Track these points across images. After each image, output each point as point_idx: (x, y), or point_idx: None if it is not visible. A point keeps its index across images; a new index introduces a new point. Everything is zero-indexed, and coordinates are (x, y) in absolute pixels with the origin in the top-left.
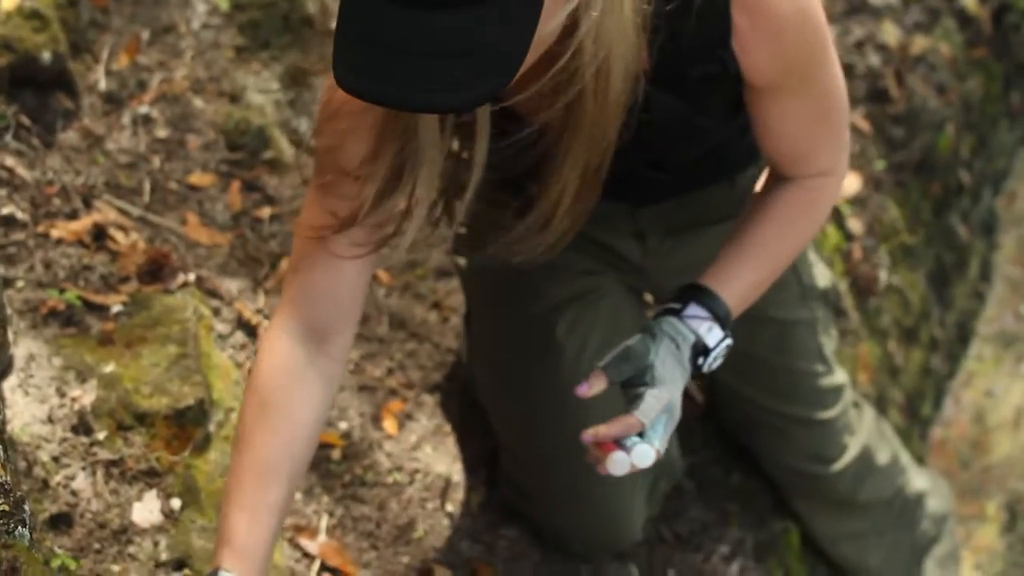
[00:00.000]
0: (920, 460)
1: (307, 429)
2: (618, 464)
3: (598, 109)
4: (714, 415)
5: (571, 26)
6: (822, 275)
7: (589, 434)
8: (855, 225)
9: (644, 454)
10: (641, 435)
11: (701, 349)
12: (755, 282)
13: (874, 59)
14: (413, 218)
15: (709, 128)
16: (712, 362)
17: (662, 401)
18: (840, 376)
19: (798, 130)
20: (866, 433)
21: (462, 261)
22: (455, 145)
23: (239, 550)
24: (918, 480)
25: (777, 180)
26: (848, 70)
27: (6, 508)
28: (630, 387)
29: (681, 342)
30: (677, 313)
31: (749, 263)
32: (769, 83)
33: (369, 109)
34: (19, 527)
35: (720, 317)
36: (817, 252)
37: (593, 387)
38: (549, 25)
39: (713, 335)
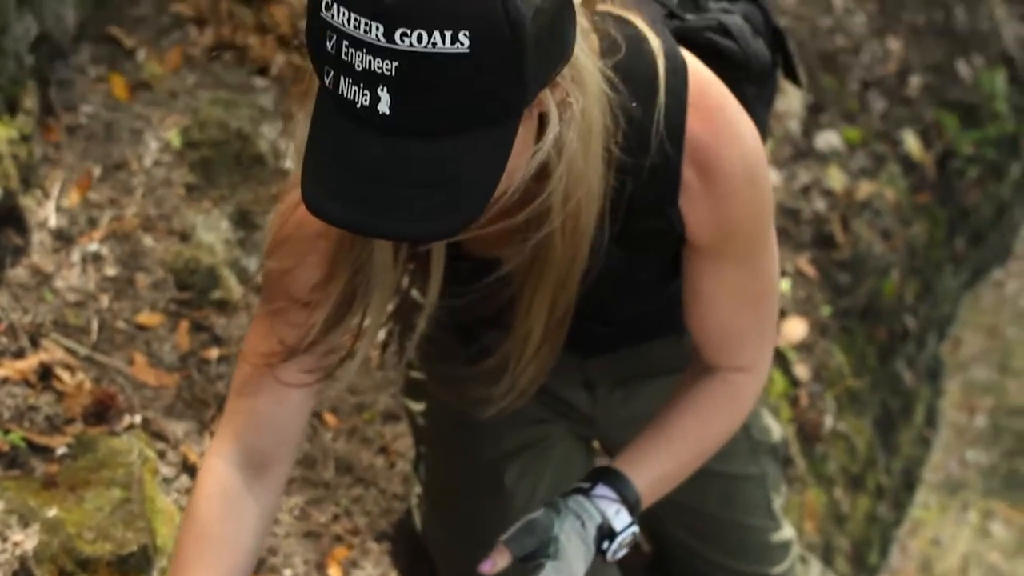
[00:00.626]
0: None
1: (244, 560)
2: None
3: (567, 248)
4: (660, 566)
5: (545, 164)
6: (772, 429)
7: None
8: (801, 371)
9: None
10: None
11: (607, 532)
12: (670, 472)
13: (820, 204)
14: (362, 344)
15: (648, 286)
16: (617, 549)
17: (566, 571)
18: (788, 531)
19: (729, 306)
20: None
21: (412, 405)
22: (406, 282)
23: None
24: None
25: (700, 371)
26: (794, 215)
27: None
28: (531, 560)
29: (587, 520)
30: (585, 492)
31: (665, 452)
32: (710, 245)
33: (324, 234)
34: None
35: (629, 502)
36: (765, 406)
37: (497, 563)
38: (522, 159)
39: (620, 519)
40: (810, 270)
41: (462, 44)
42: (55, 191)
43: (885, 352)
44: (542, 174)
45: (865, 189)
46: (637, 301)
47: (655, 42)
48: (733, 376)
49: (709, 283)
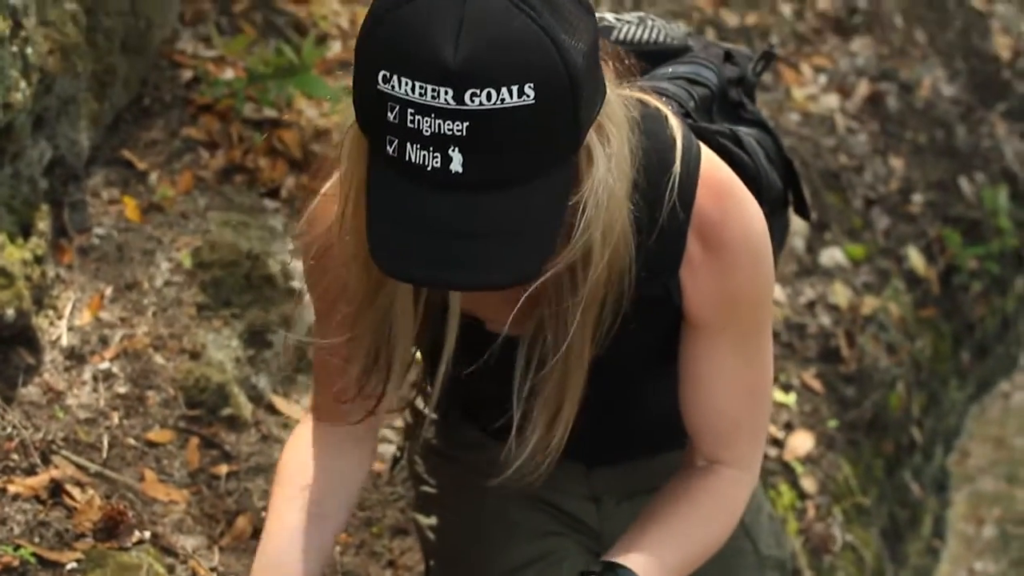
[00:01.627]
0: None
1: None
2: None
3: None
4: None
5: (575, 207)
6: (779, 543)
7: None
8: (808, 484)
9: None
10: None
11: None
12: (673, 570)
13: (825, 319)
14: (391, 384)
15: (638, 378)
16: None
17: None
18: None
19: (724, 393)
20: None
21: (422, 519)
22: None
23: None
24: None
25: (695, 467)
26: (800, 330)
27: None
28: None
29: None
30: None
31: (669, 548)
32: (708, 322)
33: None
34: None
35: None
36: (773, 519)
37: None
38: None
39: None
40: (816, 384)
41: (528, 96)
42: (67, 311)
43: (892, 464)
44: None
45: (870, 304)
46: (632, 397)
47: (673, 119)
48: (728, 472)
49: (706, 367)
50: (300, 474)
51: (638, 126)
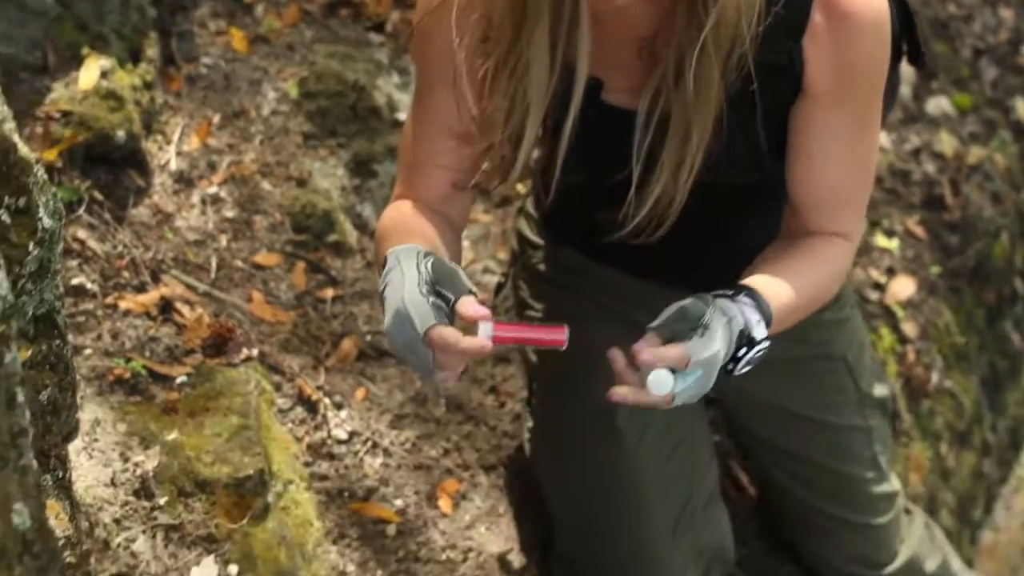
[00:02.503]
0: (970, 564)
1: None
2: (633, 375)
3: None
4: (766, 508)
5: None
6: (880, 384)
7: (640, 347)
8: (909, 328)
9: (662, 381)
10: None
11: (746, 339)
12: (792, 307)
13: (930, 167)
14: (522, 152)
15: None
16: (748, 361)
17: (709, 351)
18: (894, 483)
19: (839, 164)
20: (916, 540)
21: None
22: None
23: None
24: None
25: (798, 235)
26: (904, 176)
27: (72, 560)
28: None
29: (733, 319)
30: (730, 297)
31: (789, 286)
32: (827, 92)
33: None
34: None
35: (766, 319)
36: (874, 360)
37: (650, 343)
38: None
39: (759, 330)
40: (919, 231)
41: None
42: (176, 136)
43: (993, 314)
44: None
45: (976, 154)
46: (735, 227)
47: None
48: (836, 240)
49: (822, 141)
50: (406, 220)
51: None
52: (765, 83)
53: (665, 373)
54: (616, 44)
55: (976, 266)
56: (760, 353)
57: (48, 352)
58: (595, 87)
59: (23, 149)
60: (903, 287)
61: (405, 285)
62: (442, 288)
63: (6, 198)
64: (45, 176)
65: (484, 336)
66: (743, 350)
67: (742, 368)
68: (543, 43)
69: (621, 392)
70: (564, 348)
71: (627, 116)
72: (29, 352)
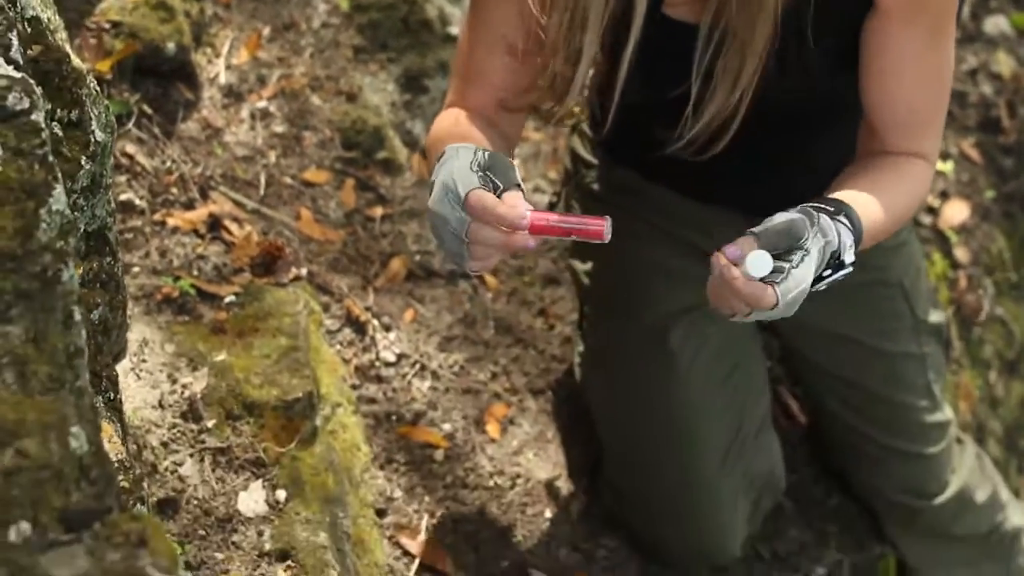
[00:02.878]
0: (1017, 493)
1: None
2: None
3: None
4: (816, 436)
5: None
6: (936, 311)
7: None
8: (962, 254)
9: (760, 261)
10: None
11: (836, 261)
12: (880, 226)
13: (987, 88)
14: (579, 73)
15: (809, 111)
16: (833, 281)
17: (802, 285)
18: (947, 412)
19: (916, 81)
20: (967, 470)
21: (578, 265)
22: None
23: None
24: (1016, 516)
25: (876, 155)
26: (960, 99)
27: (126, 485)
28: (776, 259)
29: (829, 246)
30: (832, 215)
31: (877, 204)
32: (899, 5)
33: None
34: (138, 504)
35: (857, 241)
36: (930, 288)
37: (743, 250)
38: None
39: (850, 254)
40: (974, 154)
41: None
42: (225, 49)
43: None
44: None
45: None
46: (800, 144)
47: None
48: (915, 160)
49: (897, 57)
50: (461, 127)
51: None
52: (832, 7)
53: (765, 255)
54: None
55: None
56: (846, 275)
57: (100, 270)
58: (656, 0)
59: (76, 60)
60: (957, 211)
61: (457, 162)
62: (493, 175)
63: (59, 110)
64: (97, 88)
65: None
66: (829, 271)
67: (820, 287)
68: None
69: (726, 262)
70: (606, 241)
71: (689, 30)
72: (81, 270)
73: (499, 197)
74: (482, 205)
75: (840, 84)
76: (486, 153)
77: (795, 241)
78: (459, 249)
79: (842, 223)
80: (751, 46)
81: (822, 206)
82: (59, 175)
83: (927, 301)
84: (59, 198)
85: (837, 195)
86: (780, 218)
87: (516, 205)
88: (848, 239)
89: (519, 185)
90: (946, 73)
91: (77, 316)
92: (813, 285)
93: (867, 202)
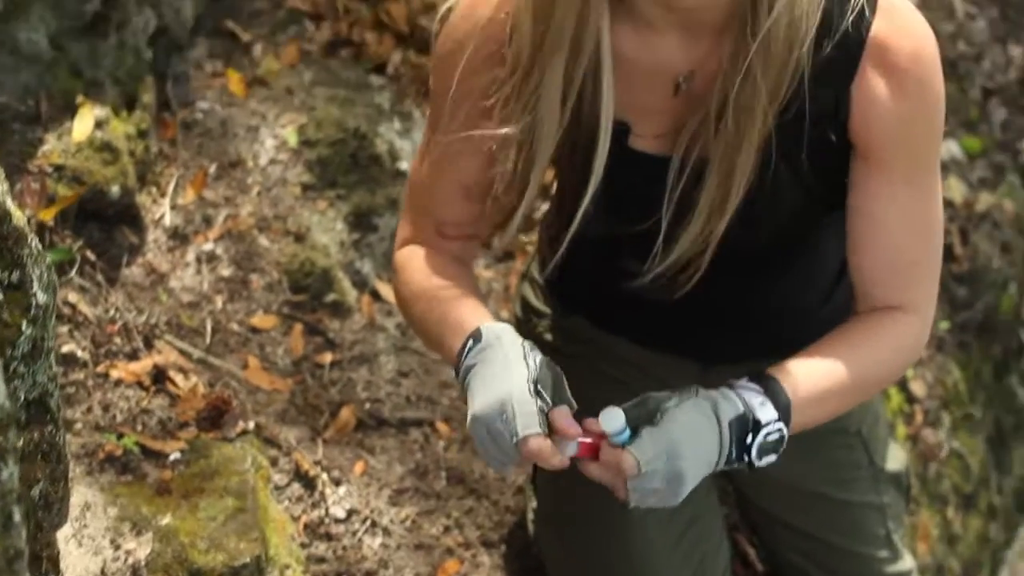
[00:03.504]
0: None
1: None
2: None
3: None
4: None
5: None
6: (895, 457)
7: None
8: (917, 387)
9: (612, 415)
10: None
11: (751, 424)
12: (826, 391)
13: None
14: (525, 199)
15: (768, 251)
16: (763, 447)
17: (660, 445)
18: (907, 562)
19: (900, 231)
20: None
21: None
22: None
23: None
24: None
25: (863, 314)
26: None
27: None
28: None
29: (722, 404)
30: (729, 385)
31: (822, 371)
32: (881, 149)
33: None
34: None
35: (778, 402)
36: (889, 432)
37: (608, 422)
38: None
39: (766, 411)
40: None
41: None
42: (170, 188)
43: (1000, 368)
44: None
45: (985, 200)
46: (758, 286)
47: None
48: (899, 315)
49: (880, 204)
50: (448, 279)
51: None
52: (809, 128)
53: (616, 409)
54: (648, 84)
55: (984, 319)
56: (775, 437)
57: (40, 440)
58: (622, 132)
59: (17, 217)
60: None
61: (514, 378)
62: (543, 389)
63: None
64: (40, 247)
65: (568, 454)
66: (749, 436)
67: (762, 457)
68: (557, 79)
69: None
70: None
71: (656, 162)
72: (20, 442)
73: (547, 414)
74: (539, 455)
75: (807, 222)
76: (537, 359)
77: (656, 406)
78: (504, 459)
79: (743, 386)
80: (732, 178)
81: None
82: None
83: (886, 447)
84: None
85: (776, 367)
86: (639, 397)
87: (558, 463)
88: (755, 398)
89: (569, 401)
90: (933, 219)
91: (17, 516)
92: (749, 456)
93: (811, 368)
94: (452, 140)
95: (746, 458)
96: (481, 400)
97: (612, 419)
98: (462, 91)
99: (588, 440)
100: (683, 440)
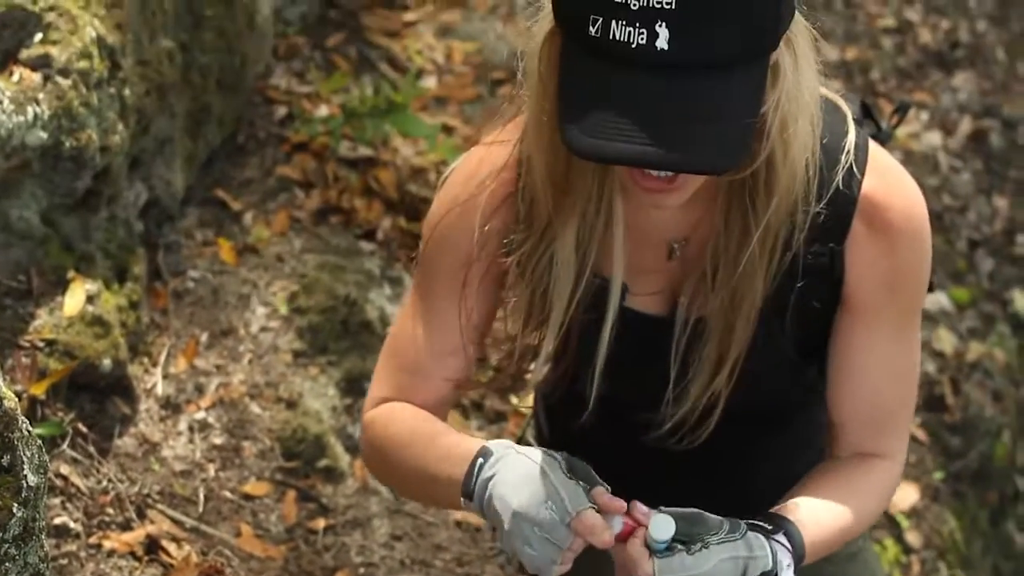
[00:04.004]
0: None
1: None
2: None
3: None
4: None
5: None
6: None
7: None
8: (913, 538)
9: (662, 524)
10: None
11: None
12: (829, 539)
13: (930, 366)
14: (541, 357)
15: (766, 415)
16: None
17: (684, 573)
18: None
19: (881, 380)
20: None
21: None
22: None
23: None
24: None
25: (841, 459)
26: None
27: None
28: (669, 545)
29: (758, 557)
30: (767, 533)
31: (829, 517)
32: (869, 303)
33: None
34: None
35: (797, 560)
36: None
37: (658, 529)
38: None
39: (787, 573)
40: (921, 434)
41: None
42: (162, 358)
43: (996, 515)
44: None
45: (975, 350)
46: (754, 453)
47: (843, 103)
48: (877, 461)
49: (863, 354)
50: (433, 423)
51: (823, 75)
52: (803, 285)
53: (669, 520)
54: (643, 246)
55: (978, 468)
56: None
57: None
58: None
59: (9, 398)
60: (906, 495)
61: (549, 469)
62: (576, 475)
63: None
64: (30, 429)
65: (615, 530)
66: None
67: None
68: (570, 242)
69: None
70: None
71: (652, 322)
72: None
73: (590, 494)
74: (592, 528)
75: (805, 378)
76: (562, 454)
77: (700, 533)
78: (551, 554)
79: (779, 542)
80: (732, 334)
81: (758, 523)
82: None
83: None
84: None
85: (786, 505)
86: (696, 510)
87: (608, 538)
88: (785, 559)
89: (602, 483)
90: (912, 370)
91: None
92: None
93: (817, 511)
94: (454, 295)
95: None
96: (519, 497)
97: (662, 529)
98: (477, 242)
99: (631, 523)
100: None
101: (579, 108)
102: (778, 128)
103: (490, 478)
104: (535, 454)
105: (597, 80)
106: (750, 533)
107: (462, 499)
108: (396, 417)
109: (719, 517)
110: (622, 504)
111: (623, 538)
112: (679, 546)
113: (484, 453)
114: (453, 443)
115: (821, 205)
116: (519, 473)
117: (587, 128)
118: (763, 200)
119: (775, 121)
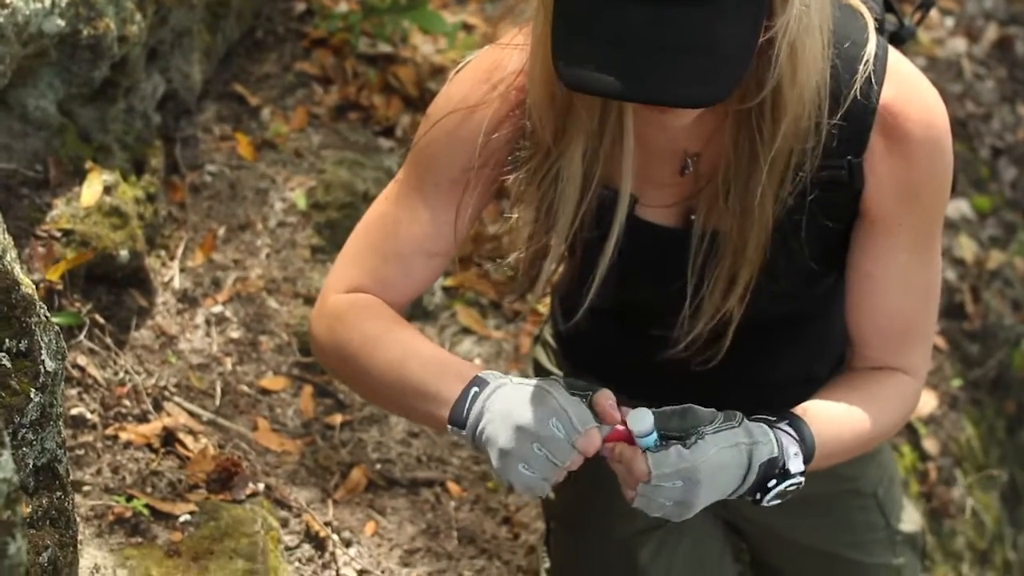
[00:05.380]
0: None
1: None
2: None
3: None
4: None
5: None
6: (910, 519)
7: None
8: (930, 445)
9: (641, 415)
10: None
11: (779, 471)
12: (844, 443)
13: (950, 274)
14: (545, 269)
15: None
16: (779, 494)
17: (680, 468)
18: None
19: (900, 292)
20: None
21: None
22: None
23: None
24: None
25: (861, 369)
26: None
27: None
28: (665, 440)
29: (760, 443)
30: (770, 423)
31: (844, 420)
32: (886, 215)
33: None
34: None
35: (806, 452)
36: (905, 493)
37: (635, 421)
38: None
39: (796, 462)
40: (940, 341)
41: None
42: (180, 252)
43: (1013, 424)
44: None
45: (996, 258)
46: (768, 357)
47: (864, 9)
48: (897, 374)
49: (882, 265)
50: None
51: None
52: (820, 197)
53: (646, 411)
54: (655, 159)
55: (996, 376)
56: (794, 487)
57: (49, 506)
58: (630, 201)
59: (26, 285)
60: (924, 402)
61: (552, 388)
62: (576, 391)
63: (7, 340)
64: (48, 314)
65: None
66: (773, 481)
67: (771, 500)
68: (577, 158)
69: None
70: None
71: (664, 233)
72: (28, 508)
73: (591, 401)
74: (595, 446)
75: (820, 290)
76: (562, 377)
77: (693, 425)
78: (548, 474)
79: (782, 430)
80: (746, 250)
81: (763, 417)
82: (6, 440)
83: (901, 509)
84: (6, 465)
85: (799, 407)
86: (685, 405)
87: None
88: (792, 446)
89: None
90: (932, 284)
91: None
92: (762, 497)
93: (828, 418)
94: (451, 198)
95: (758, 496)
96: (523, 415)
97: (639, 420)
98: (481, 152)
99: (621, 428)
100: (705, 471)
101: (568, 36)
102: (786, 53)
103: (486, 401)
104: (533, 380)
105: (590, 7)
106: (748, 421)
107: (449, 425)
108: (373, 313)
109: (711, 409)
110: (618, 416)
111: (615, 439)
112: (674, 441)
113: (479, 382)
114: (444, 359)
115: (837, 117)
116: (520, 395)
117: (572, 56)
118: (770, 127)
119: (783, 46)
